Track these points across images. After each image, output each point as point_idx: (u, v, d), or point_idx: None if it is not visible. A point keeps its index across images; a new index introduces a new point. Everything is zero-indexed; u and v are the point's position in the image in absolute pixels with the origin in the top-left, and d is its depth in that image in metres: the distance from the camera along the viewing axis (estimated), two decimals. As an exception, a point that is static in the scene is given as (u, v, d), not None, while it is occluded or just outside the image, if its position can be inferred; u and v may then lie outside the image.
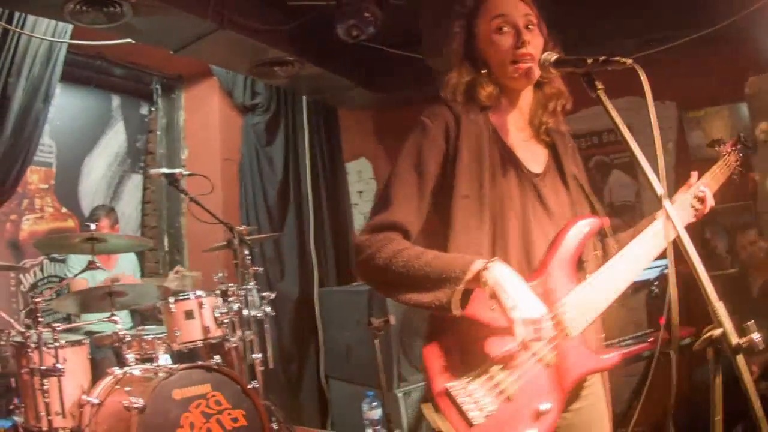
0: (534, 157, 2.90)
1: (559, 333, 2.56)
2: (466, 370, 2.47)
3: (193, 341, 6.03)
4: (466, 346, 2.52)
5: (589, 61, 2.50)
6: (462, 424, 2.39)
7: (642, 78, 2.35)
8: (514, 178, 2.78)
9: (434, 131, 2.75)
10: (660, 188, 2.34)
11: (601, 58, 2.47)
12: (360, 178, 10.27)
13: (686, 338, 6.17)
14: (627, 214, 8.82)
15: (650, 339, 6.37)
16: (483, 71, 2.82)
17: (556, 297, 2.62)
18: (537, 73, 2.75)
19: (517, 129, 2.92)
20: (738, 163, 3.55)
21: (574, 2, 7.19)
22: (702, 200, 3.14)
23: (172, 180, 6.10)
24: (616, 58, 2.43)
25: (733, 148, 3.57)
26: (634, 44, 7.67)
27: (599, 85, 2.51)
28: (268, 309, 6.53)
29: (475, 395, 2.42)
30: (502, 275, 2.40)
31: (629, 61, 2.38)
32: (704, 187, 3.17)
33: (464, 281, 2.40)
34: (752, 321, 2.15)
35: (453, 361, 2.50)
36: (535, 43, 2.75)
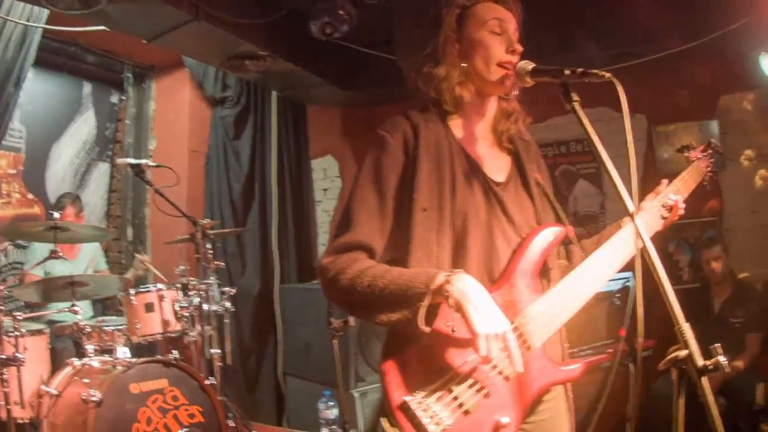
0: (497, 165, 2.91)
1: (520, 345, 2.54)
2: (425, 383, 2.47)
3: (153, 334, 6.01)
4: (425, 359, 2.52)
5: (567, 72, 2.51)
6: None
7: (619, 92, 2.37)
8: (477, 188, 2.78)
9: (393, 145, 2.74)
10: (631, 205, 2.36)
11: (579, 70, 2.49)
12: (325, 176, 10.25)
13: (646, 351, 6.23)
14: (591, 224, 8.87)
15: (609, 350, 6.43)
16: (462, 65, 2.82)
17: (518, 308, 2.63)
18: (512, 83, 2.80)
19: (480, 136, 2.93)
20: (708, 168, 3.54)
21: (551, 11, 7.23)
22: (671, 209, 3.13)
23: (138, 171, 6.05)
24: (594, 71, 2.45)
25: (703, 154, 3.57)
26: (608, 56, 7.71)
27: (575, 97, 2.52)
28: (228, 304, 6.51)
29: (432, 409, 2.41)
30: (465, 288, 2.40)
31: (607, 75, 2.40)
32: (675, 195, 3.16)
33: (428, 296, 2.39)
34: (718, 344, 2.15)
35: (411, 374, 2.49)
36: (519, 54, 2.78)
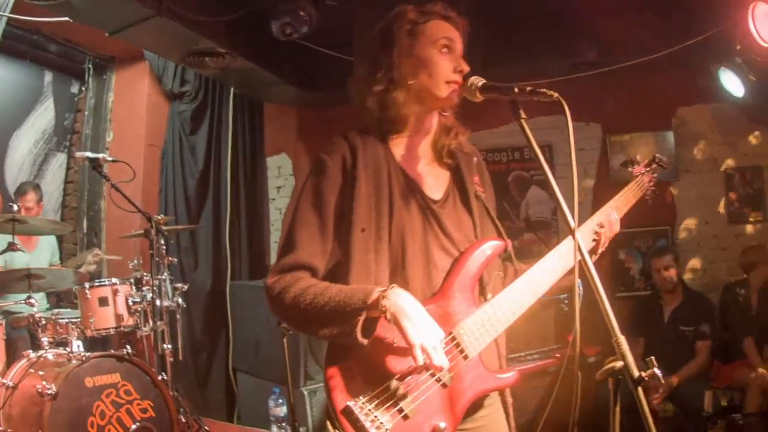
0: (435, 182, 2.98)
1: (456, 355, 2.67)
2: (366, 389, 2.57)
3: (107, 328, 6.04)
4: (366, 366, 2.61)
5: (516, 90, 2.57)
6: None
7: (566, 112, 2.41)
8: (414, 207, 2.85)
9: (332, 168, 2.81)
10: (572, 221, 2.44)
11: (528, 89, 2.55)
12: (279, 174, 10.31)
13: (593, 357, 6.30)
14: (542, 229, 8.95)
15: (557, 354, 6.51)
16: (411, 82, 2.86)
17: (456, 319, 2.73)
18: (457, 99, 2.88)
19: (420, 154, 3.00)
20: (652, 183, 3.59)
21: (510, 18, 7.30)
22: (602, 227, 3.12)
23: (96, 164, 6.03)
24: (543, 90, 2.51)
25: (647, 169, 3.61)
26: (565, 65, 7.80)
27: (523, 114, 2.59)
28: (180, 300, 6.53)
29: (373, 414, 2.52)
30: (400, 301, 2.52)
31: (555, 95, 2.46)
32: (613, 213, 3.19)
33: (364, 311, 2.50)
34: (653, 357, 2.28)
35: (354, 380, 2.59)
36: (465, 73, 2.85)
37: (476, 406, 2.84)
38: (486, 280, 2.94)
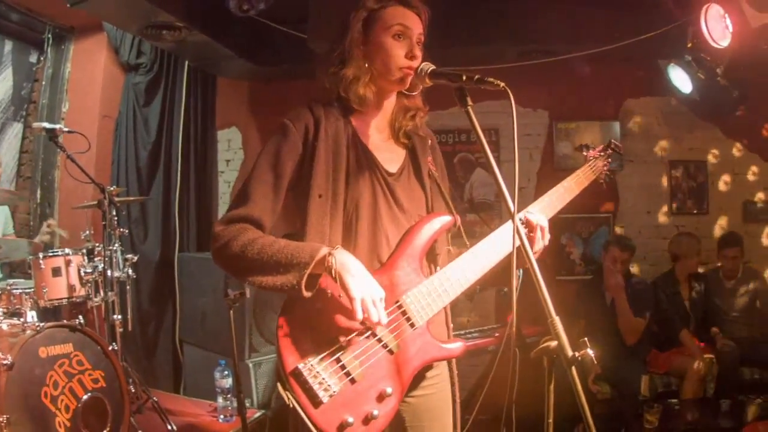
0: (391, 157, 3.12)
1: (403, 322, 2.82)
2: (315, 352, 2.71)
3: (59, 299, 6.03)
4: (316, 330, 2.75)
5: (464, 77, 2.70)
6: (310, 402, 2.65)
7: (511, 103, 2.55)
8: (370, 179, 2.99)
9: (294, 134, 2.94)
10: (512, 205, 2.57)
11: (476, 77, 2.68)
12: (229, 147, 10.34)
13: (533, 336, 6.45)
14: (485, 210, 9.08)
15: (496, 334, 6.64)
16: (366, 65, 2.99)
17: (403, 288, 2.88)
18: (411, 83, 3.00)
19: (377, 131, 3.14)
20: (606, 168, 3.72)
21: (463, 4, 7.37)
22: (531, 228, 3.11)
23: (52, 135, 6.03)
24: (490, 79, 2.65)
25: (602, 154, 3.73)
26: (516, 52, 7.89)
27: (470, 101, 2.73)
28: (130, 271, 6.55)
29: (321, 376, 2.66)
30: (344, 260, 2.67)
31: (501, 84, 2.61)
32: (542, 218, 3.16)
33: (311, 265, 2.64)
34: (586, 338, 2.39)
35: (303, 343, 2.72)
36: (419, 59, 2.97)
37: (423, 375, 3.00)
38: (435, 252, 3.10)
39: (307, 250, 2.71)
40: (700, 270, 8.29)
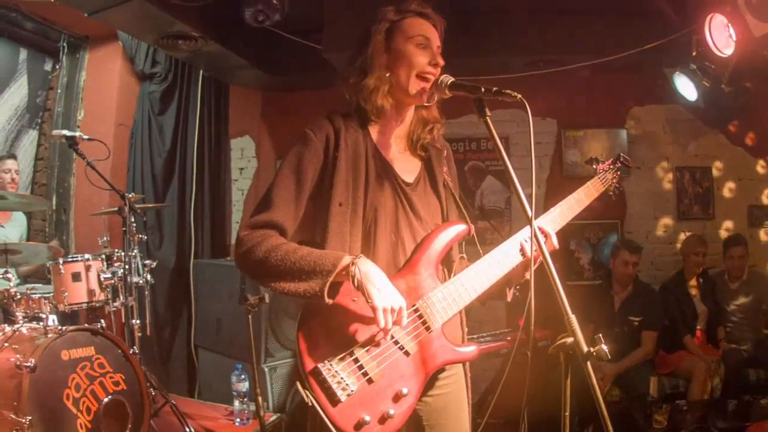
0: (408, 167, 3.23)
1: (419, 326, 2.93)
2: (334, 353, 2.80)
3: (79, 303, 6.07)
4: (335, 331, 2.85)
5: (483, 89, 2.79)
6: (328, 401, 2.75)
7: (528, 112, 2.64)
8: (388, 188, 3.10)
9: (316, 143, 3.04)
10: (529, 211, 2.65)
11: (494, 89, 2.77)
12: (242, 155, 10.39)
13: (543, 341, 6.55)
14: (496, 218, 9.14)
15: (508, 338, 6.74)
16: (387, 75, 3.10)
17: (420, 293, 2.98)
18: (429, 95, 3.10)
19: (394, 142, 3.24)
20: (615, 180, 3.81)
21: (472, 13, 7.47)
22: (545, 235, 3.26)
23: (72, 143, 6.12)
24: (507, 91, 2.74)
25: (611, 167, 3.83)
26: (524, 62, 7.98)
27: (488, 112, 2.81)
28: (148, 276, 6.62)
29: (339, 375, 2.76)
30: (366, 270, 2.75)
31: (518, 96, 2.69)
32: (549, 229, 3.31)
33: (334, 274, 2.73)
34: (600, 334, 2.49)
35: (323, 344, 2.82)
36: (441, 67, 3.09)
37: (438, 375, 3.10)
38: (451, 259, 3.21)
39: (330, 258, 2.78)
40: (708, 272, 8.37)
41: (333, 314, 2.84)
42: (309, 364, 2.77)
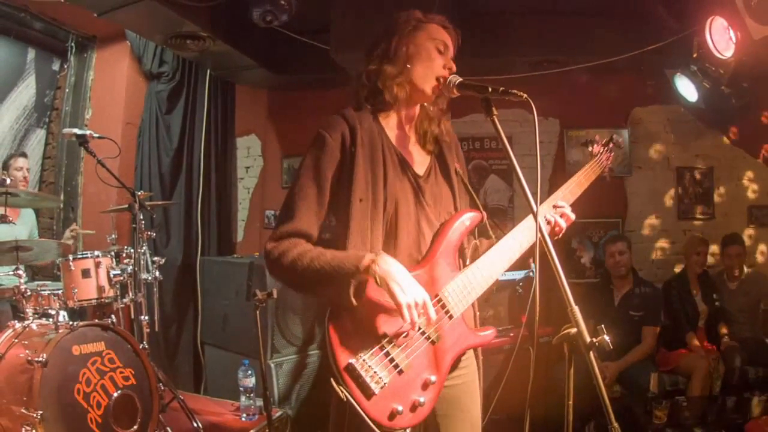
0: (418, 160, 3.32)
1: (443, 314, 3.04)
2: (364, 347, 2.89)
3: (89, 299, 6.15)
4: (362, 327, 2.93)
5: (490, 89, 2.92)
6: (362, 394, 2.84)
7: (533, 111, 2.75)
8: (404, 180, 3.19)
9: (331, 144, 3.10)
10: (535, 206, 2.77)
11: (501, 89, 2.90)
12: (248, 154, 10.53)
13: (545, 337, 6.62)
14: (499, 216, 9.23)
15: (511, 334, 6.80)
16: (408, 67, 3.19)
17: (441, 283, 3.08)
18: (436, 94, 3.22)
19: (406, 135, 3.33)
20: (609, 161, 3.91)
21: (476, 14, 7.54)
22: (553, 222, 3.37)
23: (83, 141, 6.16)
24: (514, 91, 2.87)
25: (605, 148, 3.93)
26: (527, 62, 8.05)
27: (495, 111, 2.94)
28: (157, 273, 6.68)
29: (372, 369, 2.86)
30: (388, 267, 2.83)
31: (524, 96, 2.83)
32: (562, 203, 3.46)
33: (356, 276, 2.82)
34: (602, 325, 2.58)
35: (352, 341, 2.90)
36: (453, 72, 3.21)
37: (456, 363, 3.19)
38: (463, 247, 3.30)
39: (351, 260, 2.86)
40: (708, 272, 8.44)
41: (360, 313, 2.92)
42: (342, 361, 2.85)
